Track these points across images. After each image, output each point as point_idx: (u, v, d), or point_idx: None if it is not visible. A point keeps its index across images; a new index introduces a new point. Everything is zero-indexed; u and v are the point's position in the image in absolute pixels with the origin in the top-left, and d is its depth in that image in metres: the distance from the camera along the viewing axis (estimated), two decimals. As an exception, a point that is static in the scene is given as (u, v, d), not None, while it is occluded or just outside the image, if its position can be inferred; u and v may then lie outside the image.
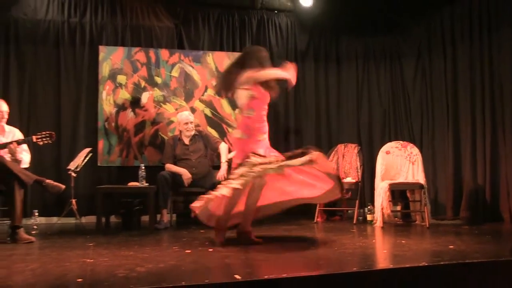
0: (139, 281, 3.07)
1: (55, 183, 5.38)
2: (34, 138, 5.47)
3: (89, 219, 6.58)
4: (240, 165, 4.60)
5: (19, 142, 5.41)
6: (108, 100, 7.12)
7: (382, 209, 6.21)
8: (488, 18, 6.61)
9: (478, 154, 6.64)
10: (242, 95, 4.75)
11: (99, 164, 7.02)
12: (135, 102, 7.21)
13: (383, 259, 4.11)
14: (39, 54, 6.98)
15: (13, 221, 5.03)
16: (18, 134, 5.71)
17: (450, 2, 7.08)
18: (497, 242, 4.82)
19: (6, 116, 5.63)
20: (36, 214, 6.05)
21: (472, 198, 6.63)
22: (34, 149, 6.07)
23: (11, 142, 5.34)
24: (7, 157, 5.33)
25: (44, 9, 7.03)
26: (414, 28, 7.75)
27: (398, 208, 7.09)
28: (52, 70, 7.02)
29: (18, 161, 5.41)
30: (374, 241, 5.15)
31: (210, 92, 7.46)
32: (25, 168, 5.43)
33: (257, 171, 4.53)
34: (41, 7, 7.02)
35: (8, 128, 5.69)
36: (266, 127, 4.81)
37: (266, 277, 3.14)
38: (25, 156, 5.57)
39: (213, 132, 7.27)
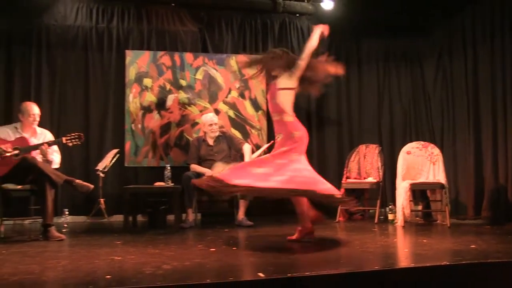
0: (165, 278, 3.10)
1: (84, 183, 5.45)
2: (64, 139, 5.54)
3: (117, 218, 6.64)
4: None
5: (50, 143, 5.48)
6: (134, 103, 7.18)
7: (403, 208, 6.15)
8: (509, 18, 6.48)
9: (499, 153, 6.52)
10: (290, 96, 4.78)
11: (126, 165, 7.08)
12: (161, 105, 7.26)
13: (404, 258, 4.09)
14: (68, 58, 7.06)
15: (45, 220, 5.11)
16: (49, 136, 5.79)
17: (471, 3, 6.97)
18: (519, 242, 4.77)
19: (37, 119, 5.71)
20: (66, 213, 6.13)
21: (494, 198, 6.52)
22: (64, 150, 6.15)
23: (42, 144, 5.42)
24: (39, 158, 5.42)
25: (73, 16, 7.12)
26: (434, 29, 7.66)
27: (419, 207, 7.01)
28: (81, 74, 7.10)
29: (49, 162, 5.49)
30: (395, 240, 5.12)
31: (234, 94, 7.48)
32: (56, 169, 5.51)
33: None
34: (70, 13, 7.11)
35: (39, 130, 5.77)
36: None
37: (289, 275, 3.14)
38: (55, 157, 5.66)
39: (236, 133, 7.29)
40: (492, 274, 3.51)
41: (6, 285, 2.99)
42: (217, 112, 7.27)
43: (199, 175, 6.31)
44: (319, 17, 7.78)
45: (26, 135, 5.57)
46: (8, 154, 5.23)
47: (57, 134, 6.38)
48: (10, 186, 5.44)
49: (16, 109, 6.16)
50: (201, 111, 7.31)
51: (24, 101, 6.02)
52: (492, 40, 6.70)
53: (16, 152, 5.29)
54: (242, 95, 7.52)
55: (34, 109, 5.67)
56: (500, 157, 6.52)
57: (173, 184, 6.27)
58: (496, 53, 6.64)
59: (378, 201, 6.61)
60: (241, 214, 6.27)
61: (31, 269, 3.48)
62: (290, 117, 4.71)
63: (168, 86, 7.30)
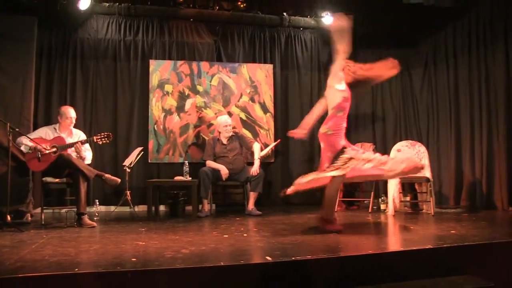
0: (184, 261, 3.12)
1: (113, 177, 5.51)
2: (95, 138, 5.59)
3: (141, 208, 6.66)
4: (335, 157, 4.40)
5: (83, 142, 5.54)
6: (157, 106, 7.21)
7: (393, 199, 6.21)
8: (483, 33, 6.56)
9: (476, 151, 6.61)
10: (336, 95, 4.48)
11: (149, 161, 7.11)
12: (180, 108, 7.28)
13: (394, 243, 4.10)
14: (100, 67, 7.10)
15: (79, 209, 5.17)
16: (82, 136, 5.83)
17: (452, 19, 7.00)
18: (492, 227, 4.82)
19: (74, 121, 5.76)
20: (97, 203, 6.17)
21: (471, 190, 6.63)
22: (95, 148, 6.20)
23: (76, 142, 5.47)
24: (74, 155, 5.48)
25: (104, 30, 7.16)
26: (421, 43, 7.69)
27: (408, 198, 7.01)
28: (110, 81, 7.13)
29: (82, 158, 5.54)
30: (386, 227, 5.14)
31: (245, 98, 7.50)
32: (88, 164, 5.56)
33: (351, 163, 4.32)
34: (101, 28, 7.15)
35: (75, 131, 5.82)
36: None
37: (293, 258, 3.17)
38: (88, 154, 5.70)
39: (247, 133, 7.31)
40: (470, 255, 3.54)
41: (47, 265, 3.03)
42: (230, 114, 7.29)
43: (214, 170, 6.35)
44: (320, 31, 7.80)
45: (63, 135, 5.61)
46: (47, 152, 5.30)
47: (89, 133, 6.44)
48: (49, 179, 5.51)
49: (55, 111, 6.23)
50: (216, 113, 7.33)
51: (61, 105, 6.10)
52: (470, 52, 6.77)
53: (54, 149, 5.36)
54: (252, 100, 7.53)
55: (71, 113, 5.72)
56: (476, 155, 6.61)
57: (191, 178, 6.29)
58: (473, 63, 6.72)
59: (372, 193, 6.65)
60: (251, 205, 6.29)
61: (67, 252, 3.52)
62: None
63: (186, 92, 7.33)
